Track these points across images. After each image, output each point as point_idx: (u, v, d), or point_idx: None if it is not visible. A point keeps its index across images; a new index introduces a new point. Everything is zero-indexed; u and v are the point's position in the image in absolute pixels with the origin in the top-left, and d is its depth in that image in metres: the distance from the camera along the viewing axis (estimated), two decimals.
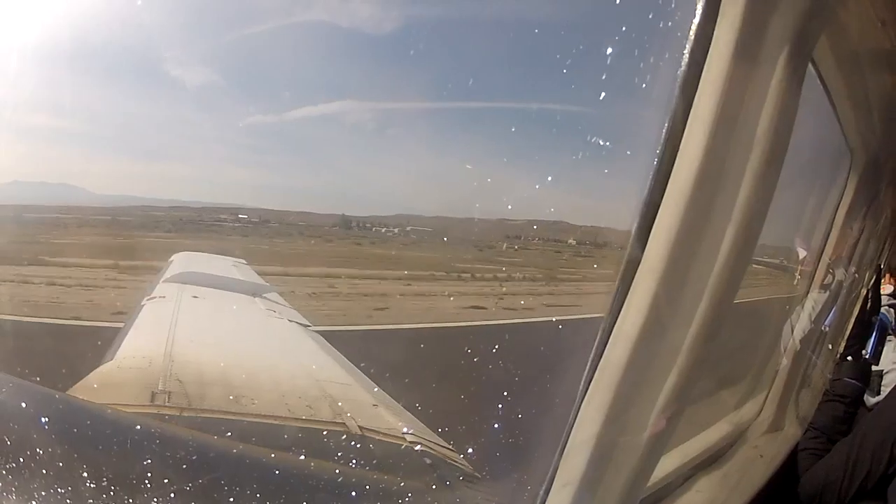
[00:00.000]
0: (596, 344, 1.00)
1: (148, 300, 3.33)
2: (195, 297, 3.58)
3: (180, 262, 4.45)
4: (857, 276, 2.55)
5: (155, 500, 1.29)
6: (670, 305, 0.94)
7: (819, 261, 2.35)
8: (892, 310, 2.57)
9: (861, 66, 1.42)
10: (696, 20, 0.82)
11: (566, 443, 1.07)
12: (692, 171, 0.86)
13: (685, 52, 0.84)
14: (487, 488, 1.76)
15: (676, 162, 0.88)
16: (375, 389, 2.56)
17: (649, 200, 0.92)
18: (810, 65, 1.23)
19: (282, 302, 4.34)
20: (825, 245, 2.33)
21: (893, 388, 1.98)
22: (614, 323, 0.97)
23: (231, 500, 1.39)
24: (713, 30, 0.83)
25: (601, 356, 0.98)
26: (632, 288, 0.95)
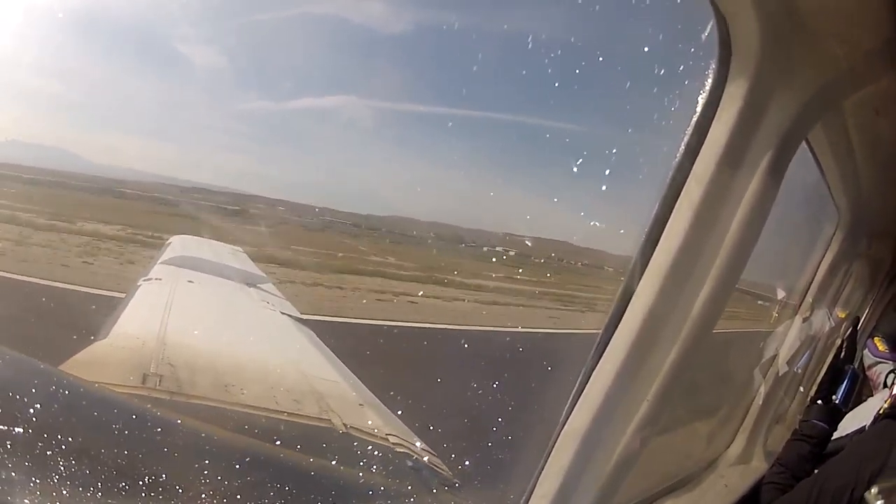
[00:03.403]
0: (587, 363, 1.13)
1: (144, 281, 3.36)
2: (191, 281, 3.59)
3: (178, 245, 4.45)
4: (833, 325, 2.66)
5: (140, 481, 1.34)
6: (653, 336, 1.06)
7: (799, 307, 2.46)
8: (892, 374, 2.70)
9: (852, 146, 1.53)
10: (706, 91, 0.94)
11: (547, 459, 1.18)
12: (687, 222, 0.99)
13: (693, 119, 0.96)
14: (467, 495, 1.81)
15: (673, 213, 1.01)
16: (362, 389, 2.59)
17: (648, 239, 1.05)
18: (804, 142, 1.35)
19: (275, 293, 4.34)
20: (806, 293, 2.44)
21: (857, 436, 2.06)
22: (602, 351, 1.09)
23: (214, 486, 1.45)
24: (718, 104, 0.94)
25: (589, 377, 1.12)
26: (623, 318, 1.07)
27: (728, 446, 2.48)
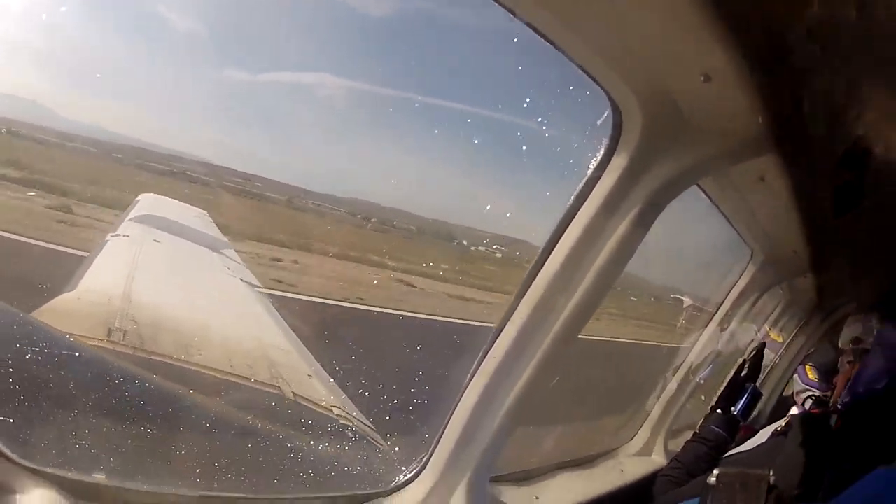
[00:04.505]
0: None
1: (112, 236, 3.39)
2: (157, 241, 3.64)
3: (146, 203, 4.43)
4: (737, 346, 2.99)
5: (100, 429, 1.46)
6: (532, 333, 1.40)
7: (706, 327, 2.77)
8: (810, 399, 2.89)
9: (748, 203, 1.82)
10: (599, 157, 1.21)
11: (447, 424, 1.55)
12: (569, 249, 1.33)
13: (587, 175, 1.25)
14: (392, 459, 1.95)
15: (561, 240, 1.34)
16: (311, 360, 2.73)
17: (539, 258, 1.37)
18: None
19: (237, 260, 4.39)
20: (714, 315, 2.75)
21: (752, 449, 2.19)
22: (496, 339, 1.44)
23: (165, 439, 1.59)
24: (605, 168, 1.22)
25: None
26: (510, 319, 1.41)
27: (630, 440, 2.77)
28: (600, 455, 2.57)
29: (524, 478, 2.04)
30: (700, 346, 2.77)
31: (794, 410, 2.90)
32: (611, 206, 1.25)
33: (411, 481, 1.63)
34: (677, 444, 2.61)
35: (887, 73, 1.14)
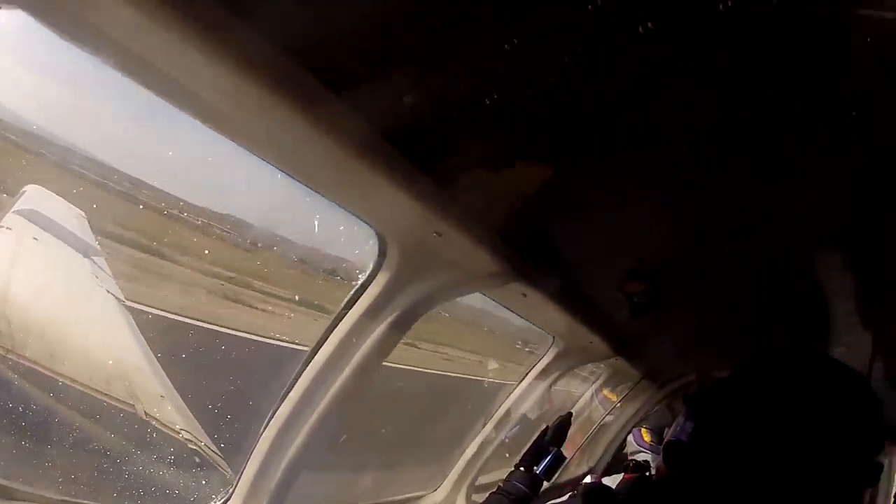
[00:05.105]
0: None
1: None
2: (36, 238, 3.60)
3: (31, 196, 4.28)
4: (542, 414, 3.27)
5: None
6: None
7: (511, 394, 3.12)
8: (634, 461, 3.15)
9: (525, 307, 2.33)
10: (367, 272, 1.67)
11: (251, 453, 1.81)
12: (344, 333, 1.74)
13: (358, 284, 1.68)
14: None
15: (337, 327, 1.74)
16: (165, 380, 2.68)
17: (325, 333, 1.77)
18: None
19: (106, 269, 4.30)
20: (521, 381, 3.11)
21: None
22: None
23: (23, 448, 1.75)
24: (372, 281, 1.65)
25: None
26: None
27: (435, 490, 3.01)
28: (402, 502, 2.79)
29: None
30: (507, 405, 3.06)
31: None
32: (373, 311, 1.66)
33: None
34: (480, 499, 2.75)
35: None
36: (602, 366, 3.58)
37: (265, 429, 1.78)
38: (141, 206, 2.70)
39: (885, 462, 2.86)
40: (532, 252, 1.78)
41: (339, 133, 1.06)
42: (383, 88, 1.07)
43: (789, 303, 2.61)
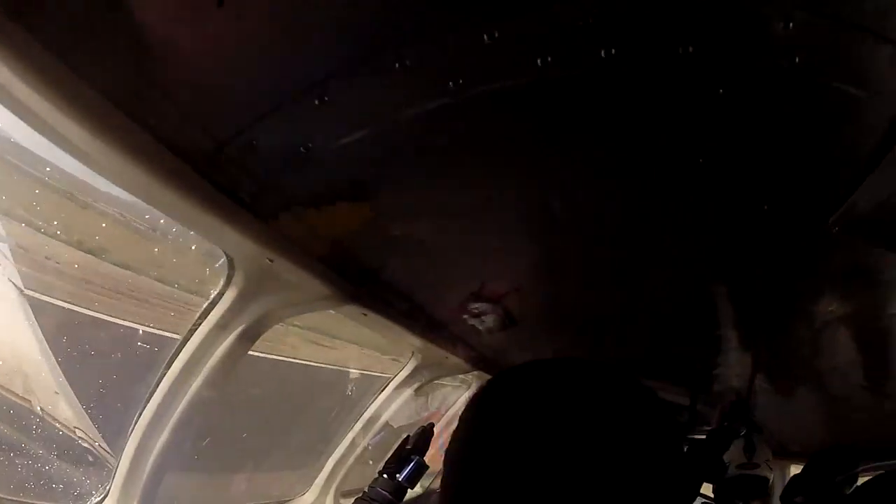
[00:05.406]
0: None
1: None
2: None
3: None
4: (410, 423, 3.43)
5: None
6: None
7: (375, 399, 3.22)
8: None
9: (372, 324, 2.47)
10: (219, 286, 1.91)
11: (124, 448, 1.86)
12: (194, 350, 1.93)
13: (210, 300, 1.90)
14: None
15: (187, 344, 1.94)
16: (60, 376, 2.56)
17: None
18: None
19: (8, 256, 4.08)
20: (382, 391, 3.22)
21: None
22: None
23: None
24: (222, 296, 1.89)
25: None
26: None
27: (303, 494, 3.08)
28: None
29: None
30: (371, 410, 3.21)
31: None
32: (222, 324, 1.87)
33: None
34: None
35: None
36: (471, 375, 3.65)
37: (133, 429, 1.84)
38: None
39: (770, 477, 3.20)
40: (362, 279, 1.98)
41: (156, 166, 1.18)
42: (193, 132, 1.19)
43: (656, 323, 2.63)
